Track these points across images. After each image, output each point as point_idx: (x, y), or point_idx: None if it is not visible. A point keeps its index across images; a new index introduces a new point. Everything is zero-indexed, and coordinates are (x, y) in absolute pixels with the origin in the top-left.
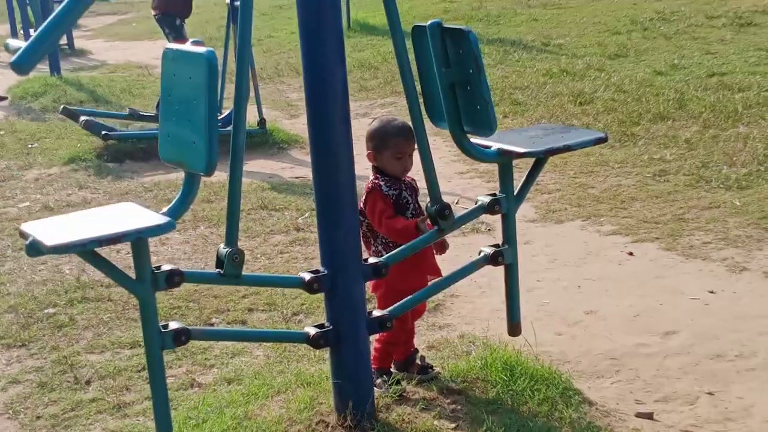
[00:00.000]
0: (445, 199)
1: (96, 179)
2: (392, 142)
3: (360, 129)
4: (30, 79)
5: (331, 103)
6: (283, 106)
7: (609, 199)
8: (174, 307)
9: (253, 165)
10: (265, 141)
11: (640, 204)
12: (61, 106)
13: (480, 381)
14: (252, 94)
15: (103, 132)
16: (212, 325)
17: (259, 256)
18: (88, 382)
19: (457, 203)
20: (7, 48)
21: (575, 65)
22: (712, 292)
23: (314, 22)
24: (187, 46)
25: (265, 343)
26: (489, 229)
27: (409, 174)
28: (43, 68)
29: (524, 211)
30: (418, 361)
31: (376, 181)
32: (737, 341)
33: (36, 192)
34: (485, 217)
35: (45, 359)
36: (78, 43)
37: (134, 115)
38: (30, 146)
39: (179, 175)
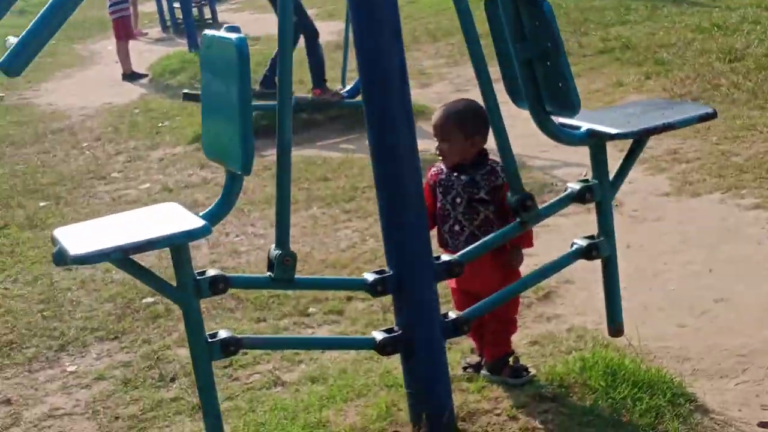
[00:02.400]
0: (574, 171)
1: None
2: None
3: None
4: (169, 55)
5: (390, 87)
6: (414, 74)
7: (754, 168)
8: (273, 294)
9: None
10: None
11: None
12: (183, 92)
13: (578, 386)
14: None
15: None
16: (309, 315)
17: (368, 237)
18: (172, 380)
19: (586, 175)
20: (5, 44)
21: (728, 18)
22: None
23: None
24: (221, 32)
25: None
26: (616, 204)
27: None
28: (182, 43)
29: (658, 184)
30: (511, 362)
31: (432, 167)
32: None
33: (159, 172)
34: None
35: (134, 353)
36: (223, 17)
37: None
38: (160, 125)
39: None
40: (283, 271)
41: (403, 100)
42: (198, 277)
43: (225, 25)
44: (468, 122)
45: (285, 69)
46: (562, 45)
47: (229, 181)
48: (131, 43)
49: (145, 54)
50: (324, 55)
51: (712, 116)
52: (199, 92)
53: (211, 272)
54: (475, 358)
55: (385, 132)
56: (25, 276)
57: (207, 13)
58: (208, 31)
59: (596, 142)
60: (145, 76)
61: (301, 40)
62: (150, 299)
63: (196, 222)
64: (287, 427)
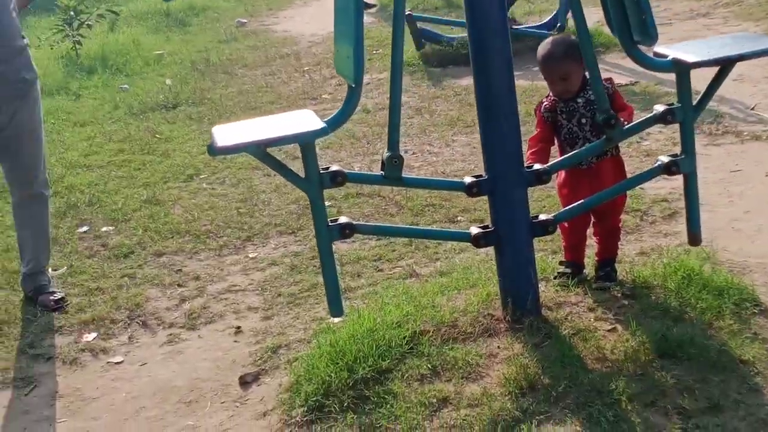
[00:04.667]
0: (740, 104)
1: (417, 83)
2: (540, 68)
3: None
4: None
5: (487, 14)
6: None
7: None
8: (429, 204)
9: None
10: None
11: None
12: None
13: (657, 287)
14: None
15: (422, 39)
16: (456, 221)
17: None
18: None
19: (752, 108)
20: None
21: None
22: None
23: None
24: None
25: None
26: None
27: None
28: None
29: None
30: (598, 272)
31: (543, 100)
32: None
33: (363, 95)
34: None
35: (305, 245)
36: None
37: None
38: (374, 52)
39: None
40: (391, 170)
41: (501, 22)
42: (322, 171)
43: None
44: (578, 53)
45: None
46: None
47: (348, 92)
48: None
49: None
50: None
51: None
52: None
53: (333, 167)
54: (566, 270)
55: (482, 51)
56: (231, 179)
57: None
58: None
59: (679, 69)
60: (374, 6)
61: None
62: (328, 203)
63: (318, 125)
64: (403, 305)
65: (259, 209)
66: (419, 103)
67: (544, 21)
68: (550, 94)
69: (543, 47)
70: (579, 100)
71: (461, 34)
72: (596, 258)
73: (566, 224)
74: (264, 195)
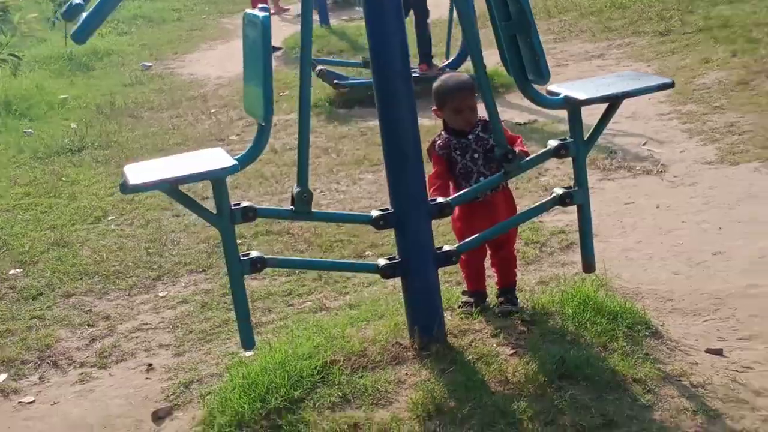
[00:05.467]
0: (633, 141)
1: (324, 124)
2: (450, 98)
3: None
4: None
5: (391, 61)
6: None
7: None
8: (337, 240)
9: None
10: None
11: None
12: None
13: (556, 313)
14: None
15: (335, 81)
16: (363, 257)
17: None
18: None
19: (644, 145)
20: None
21: None
22: None
23: None
24: (253, 11)
25: None
26: (661, 171)
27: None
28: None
29: (705, 153)
30: (499, 298)
31: (435, 139)
32: None
33: (271, 136)
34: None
35: (215, 283)
36: None
37: (366, 64)
38: (281, 94)
39: None
40: (301, 205)
41: (403, 68)
42: (233, 207)
43: (259, 5)
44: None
45: (306, 42)
46: (534, 25)
47: (258, 131)
48: (273, 18)
49: (283, 29)
50: (431, 34)
51: (669, 86)
52: (314, 59)
53: (244, 203)
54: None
55: (386, 93)
56: (139, 220)
57: None
58: (247, 10)
59: (571, 106)
60: (279, 49)
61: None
62: (239, 241)
63: (229, 162)
64: (314, 337)
65: (169, 249)
66: (326, 143)
67: (447, 62)
68: (442, 132)
69: (452, 79)
70: (470, 137)
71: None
72: (497, 286)
73: (463, 257)
74: (173, 235)
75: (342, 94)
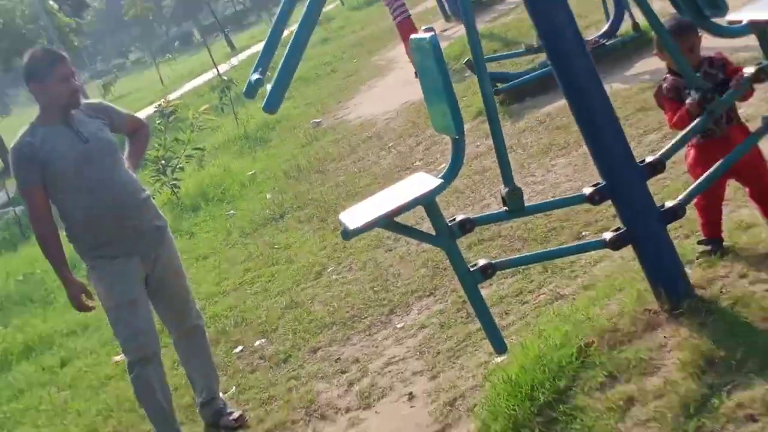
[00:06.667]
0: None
1: (501, 123)
2: (676, 39)
3: None
4: (452, 43)
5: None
6: None
7: None
8: (550, 229)
9: (639, 67)
10: (649, 41)
11: None
12: (465, 59)
13: None
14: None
15: (493, 89)
16: (582, 238)
17: None
18: None
19: None
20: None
21: None
22: None
23: None
24: (418, 35)
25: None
26: None
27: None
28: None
29: None
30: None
31: (661, 83)
32: None
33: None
34: None
35: (446, 302)
36: None
37: (530, 50)
38: None
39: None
40: (513, 203)
41: (576, 40)
42: (450, 224)
43: (423, 27)
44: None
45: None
46: None
47: (454, 145)
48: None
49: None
50: None
51: None
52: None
53: (459, 217)
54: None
55: (570, 73)
56: (356, 263)
57: None
58: (412, 36)
59: (758, 29)
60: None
61: None
62: None
63: (435, 182)
64: (560, 326)
65: (392, 282)
66: (509, 141)
67: (603, 30)
68: (667, 76)
69: (673, 20)
70: (698, 74)
71: (525, 67)
72: (765, 216)
73: (702, 202)
74: (392, 269)
75: (510, 89)
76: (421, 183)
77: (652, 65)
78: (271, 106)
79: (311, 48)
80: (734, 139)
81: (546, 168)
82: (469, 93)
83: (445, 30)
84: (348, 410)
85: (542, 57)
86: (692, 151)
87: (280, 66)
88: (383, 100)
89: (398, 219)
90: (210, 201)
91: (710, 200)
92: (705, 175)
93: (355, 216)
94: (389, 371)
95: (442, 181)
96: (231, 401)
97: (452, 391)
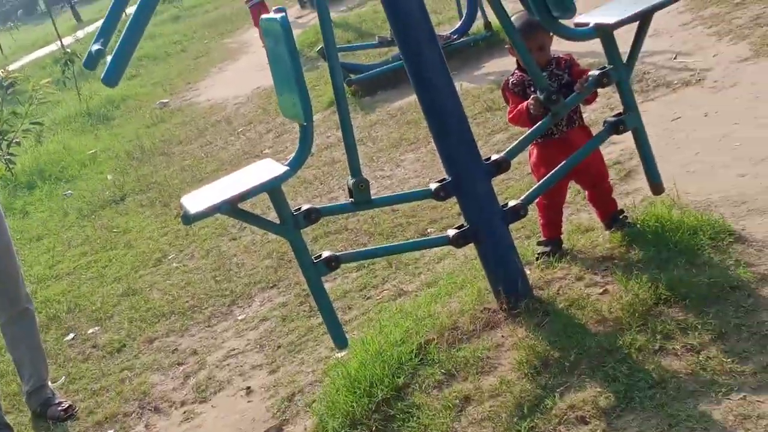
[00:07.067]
0: (663, 57)
1: (352, 115)
2: (523, 36)
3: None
4: (306, 31)
5: (415, 27)
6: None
7: None
8: (396, 225)
9: (489, 66)
10: (500, 40)
11: None
12: (319, 47)
13: (635, 243)
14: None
15: (346, 79)
16: (427, 234)
17: None
18: None
19: (675, 58)
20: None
21: None
22: None
23: None
24: (269, 15)
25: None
26: (699, 79)
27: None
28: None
29: (738, 52)
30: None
31: (508, 77)
32: None
33: None
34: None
35: (289, 295)
36: None
37: (383, 43)
38: None
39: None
40: (360, 195)
41: (430, 37)
42: (294, 213)
43: (275, 7)
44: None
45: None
46: None
47: (302, 131)
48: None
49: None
50: None
51: None
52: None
53: (304, 207)
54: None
55: (420, 66)
56: (199, 251)
57: None
58: (263, 15)
59: (603, 33)
60: None
61: None
62: None
63: (281, 170)
64: (402, 322)
65: (236, 272)
66: (359, 133)
67: (456, 27)
68: (515, 71)
69: (520, 18)
70: (544, 73)
71: (379, 59)
72: (603, 220)
73: (544, 201)
74: (236, 258)
75: (362, 82)
76: (267, 169)
77: (502, 65)
78: (110, 78)
79: (161, 26)
80: (575, 141)
81: (395, 162)
82: (321, 82)
83: (300, 17)
84: (183, 404)
85: (396, 50)
86: (535, 150)
87: (122, 36)
88: (234, 83)
89: (243, 206)
90: (47, 179)
91: (551, 200)
92: (547, 176)
93: (197, 200)
94: (228, 364)
95: (288, 168)
96: (60, 391)
97: (291, 386)
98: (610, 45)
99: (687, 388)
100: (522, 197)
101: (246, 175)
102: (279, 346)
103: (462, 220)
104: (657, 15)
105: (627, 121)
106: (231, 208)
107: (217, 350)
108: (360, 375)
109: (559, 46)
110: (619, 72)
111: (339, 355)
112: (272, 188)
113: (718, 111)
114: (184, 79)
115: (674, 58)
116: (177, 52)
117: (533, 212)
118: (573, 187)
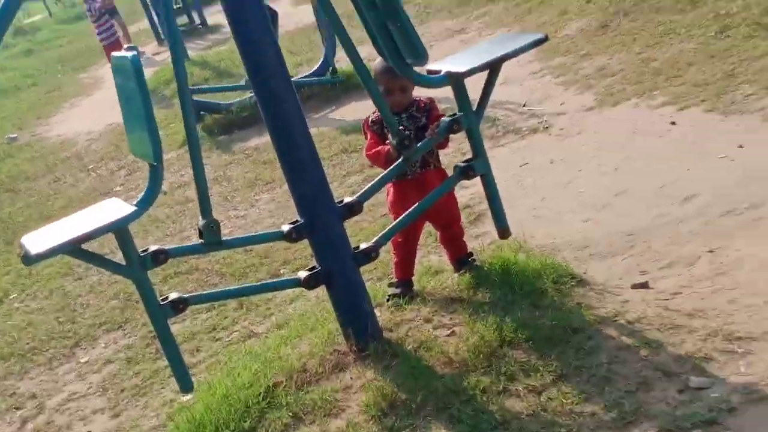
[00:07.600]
0: (512, 105)
1: (207, 154)
2: (379, 80)
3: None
4: (163, 68)
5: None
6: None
7: (668, 68)
8: (248, 266)
9: (347, 109)
10: (357, 84)
11: (695, 68)
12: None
13: (482, 286)
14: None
15: (201, 111)
16: (280, 275)
17: None
18: None
19: (524, 106)
20: None
21: None
22: (741, 147)
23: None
24: (120, 53)
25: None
26: (546, 126)
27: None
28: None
29: (583, 101)
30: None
31: (370, 115)
32: (753, 194)
33: None
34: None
35: (135, 336)
36: (213, 19)
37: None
38: None
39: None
40: (210, 236)
41: (285, 81)
42: (142, 254)
43: (126, 45)
44: None
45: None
46: (401, 8)
47: (151, 171)
48: None
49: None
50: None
51: (543, 40)
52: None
53: (152, 248)
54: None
55: (276, 110)
56: (42, 291)
57: (196, 19)
58: (114, 53)
59: (454, 81)
60: None
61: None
62: None
63: (129, 209)
64: (250, 365)
65: (80, 313)
66: (214, 172)
67: (314, 69)
68: (376, 111)
69: (382, 62)
70: (403, 115)
71: (237, 99)
72: (452, 262)
73: (399, 239)
74: (81, 299)
75: (218, 120)
76: (114, 209)
77: (360, 108)
78: None
79: (12, 59)
80: (429, 182)
81: (250, 202)
82: (176, 120)
83: (157, 54)
84: None
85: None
86: (392, 189)
87: None
88: (87, 119)
89: (90, 246)
90: None
91: (406, 238)
92: (399, 218)
93: (38, 240)
94: (68, 408)
95: (136, 208)
96: None
97: (133, 431)
98: (460, 92)
99: (529, 429)
100: (374, 240)
101: (92, 215)
102: (123, 390)
103: (315, 261)
104: (508, 64)
105: (476, 166)
106: (74, 248)
107: (57, 394)
108: (205, 419)
109: (423, 91)
110: (469, 119)
111: (185, 398)
112: (118, 228)
113: (564, 158)
114: (34, 114)
115: (523, 106)
116: (28, 86)
117: (385, 254)
118: (425, 229)
